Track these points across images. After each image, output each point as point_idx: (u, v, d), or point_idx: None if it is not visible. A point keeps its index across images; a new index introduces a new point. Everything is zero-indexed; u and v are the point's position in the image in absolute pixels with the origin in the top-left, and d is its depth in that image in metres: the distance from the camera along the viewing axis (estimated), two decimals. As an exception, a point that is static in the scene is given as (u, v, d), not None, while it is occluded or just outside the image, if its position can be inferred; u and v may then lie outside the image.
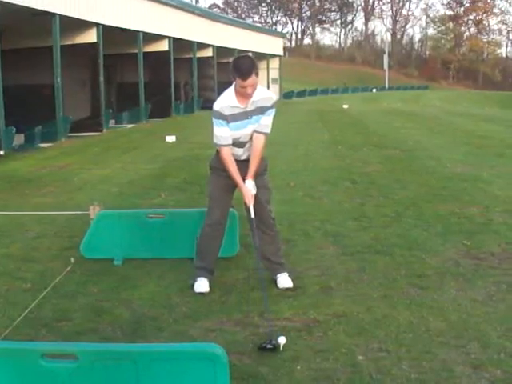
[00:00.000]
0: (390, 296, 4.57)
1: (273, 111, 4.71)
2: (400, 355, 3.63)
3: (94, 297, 4.74)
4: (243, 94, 4.53)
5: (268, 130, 4.74)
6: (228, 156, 4.65)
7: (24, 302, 4.57)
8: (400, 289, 4.72)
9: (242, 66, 4.45)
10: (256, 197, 4.69)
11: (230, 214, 5.10)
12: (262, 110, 4.64)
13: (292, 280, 4.83)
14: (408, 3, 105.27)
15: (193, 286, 4.81)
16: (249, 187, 4.65)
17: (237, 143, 4.70)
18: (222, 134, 4.62)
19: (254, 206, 4.68)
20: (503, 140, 15.16)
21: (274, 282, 4.84)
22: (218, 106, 4.62)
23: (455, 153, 12.63)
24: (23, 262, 5.68)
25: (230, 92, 4.63)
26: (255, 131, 4.68)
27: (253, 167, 4.68)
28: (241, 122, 4.62)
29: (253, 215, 4.67)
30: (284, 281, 4.82)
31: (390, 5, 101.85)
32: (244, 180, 4.66)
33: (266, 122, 4.69)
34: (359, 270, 5.18)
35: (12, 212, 7.57)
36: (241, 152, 4.76)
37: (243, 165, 4.69)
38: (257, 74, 4.49)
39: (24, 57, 19.45)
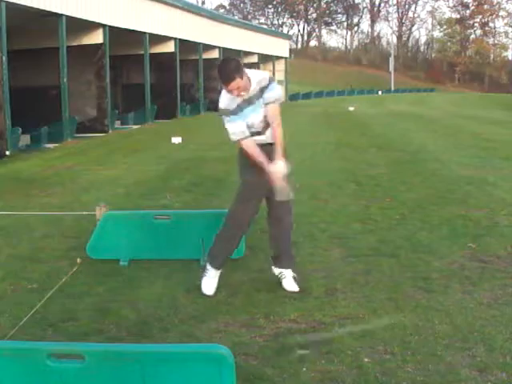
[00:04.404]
0: (395, 298, 4.57)
1: (273, 85, 4.64)
2: (405, 358, 3.63)
3: (100, 297, 4.75)
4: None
5: (274, 99, 4.61)
6: (251, 147, 4.57)
7: (30, 302, 4.59)
8: (405, 291, 4.72)
9: (224, 71, 4.44)
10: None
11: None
12: (262, 90, 4.59)
13: (297, 282, 4.83)
14: (414, 6, 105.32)
15: (200, 285, 4.80)
16: (279, 167, 4.58)
17: (254, 133, 4.62)
18: (237, 128, 4.57)
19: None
20: (509, 142, 15.08)
21: (280, 283, 4.84)
22: (222, 104, 4.63)
23: (461, 155, 12.59)
24: (29, 263, 5.70)
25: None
26: (265, 104, 4.60)
27: (278, 144, 4.61)
28: (246, 109, 4.57)
29: (282, 198, 4.58)
30: (290, 285, 4.81)
31: (396, 7, 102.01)
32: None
33: (270, 95, 4.60)
34: (365, 273, 5.18)
35: (18, 212, 7.61)
36: (264, 138, 4.67)
37: (268, 149, 4.61)
38: (242, 78, 4.43)
39: (30, 57, 19.54)
